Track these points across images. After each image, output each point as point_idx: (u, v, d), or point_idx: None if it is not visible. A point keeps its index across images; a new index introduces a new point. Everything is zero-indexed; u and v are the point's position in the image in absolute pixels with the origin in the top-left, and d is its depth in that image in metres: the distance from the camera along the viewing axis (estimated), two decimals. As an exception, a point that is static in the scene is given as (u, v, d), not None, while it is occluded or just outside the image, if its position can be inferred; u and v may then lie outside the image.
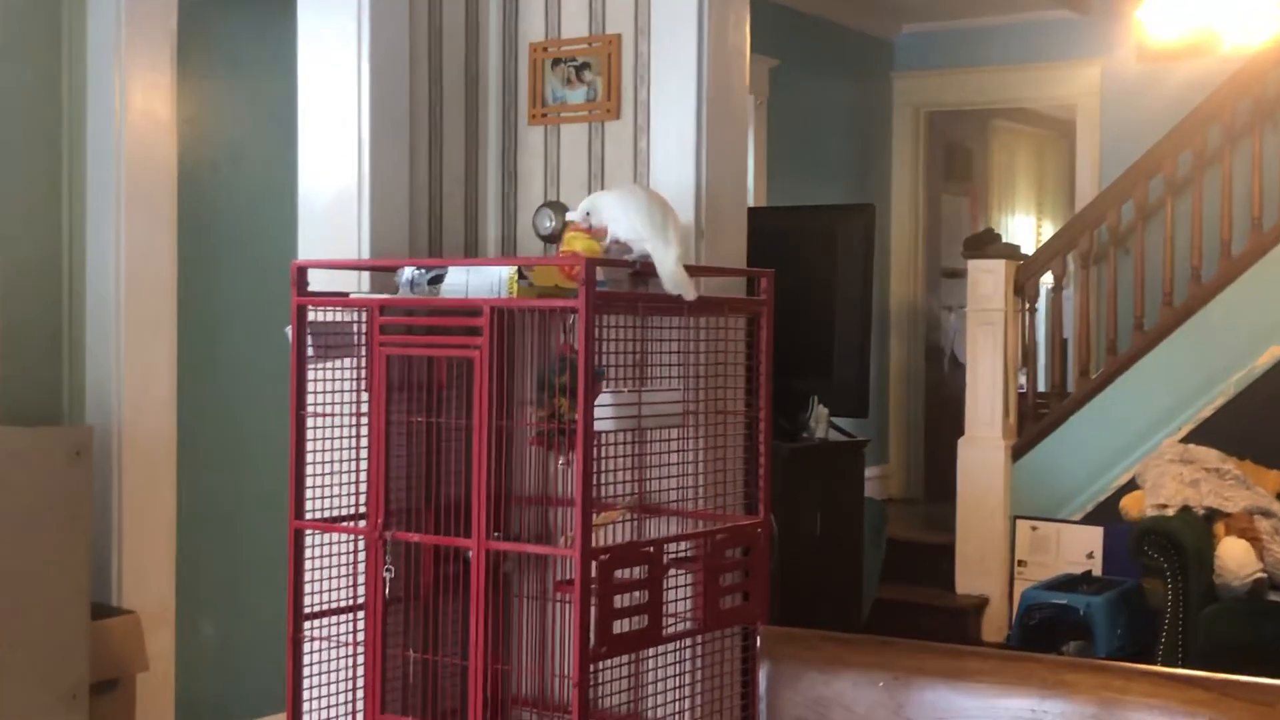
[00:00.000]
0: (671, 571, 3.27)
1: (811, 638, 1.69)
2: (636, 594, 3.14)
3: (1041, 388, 7.77)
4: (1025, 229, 10.78)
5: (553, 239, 3.78)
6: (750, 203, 5.15)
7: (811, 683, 1.68)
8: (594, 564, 3.02)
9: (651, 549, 3.18)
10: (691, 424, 3.45)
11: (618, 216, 3.23)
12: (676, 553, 3.31)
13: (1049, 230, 10.54)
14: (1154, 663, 5.22)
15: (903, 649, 1.68)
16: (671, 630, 3.28)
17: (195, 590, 4.61)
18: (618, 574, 3.09)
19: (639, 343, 3.34)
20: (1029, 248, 9.21)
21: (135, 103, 4.05)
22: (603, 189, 3.68)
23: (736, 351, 3.51)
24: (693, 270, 3.34)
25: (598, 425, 3.07)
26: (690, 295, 3.15)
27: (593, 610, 3.02)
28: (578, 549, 3.00)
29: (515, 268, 3.21)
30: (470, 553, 3.18)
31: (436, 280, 3.32)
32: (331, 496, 3.44)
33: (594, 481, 3.10)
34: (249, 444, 4.92)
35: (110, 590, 4.00)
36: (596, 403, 3.07)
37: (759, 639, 1.71)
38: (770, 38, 7.11)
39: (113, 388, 4.02)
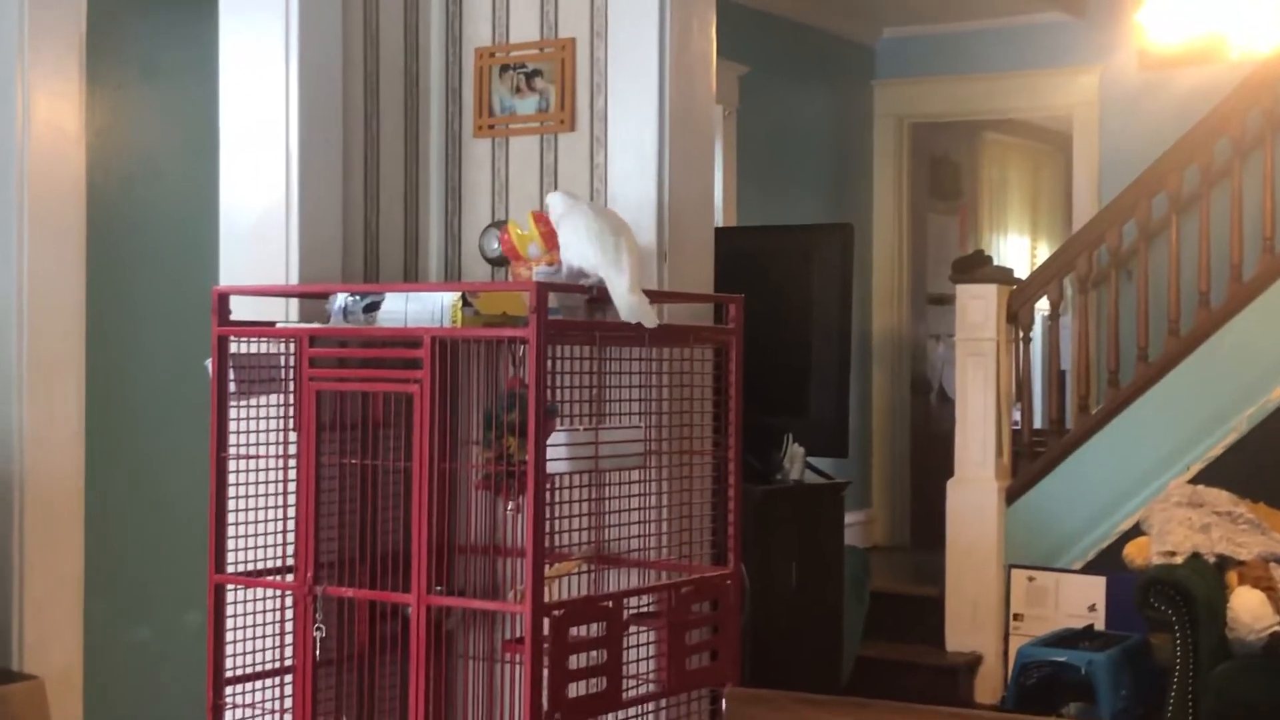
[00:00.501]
0: (632, 628, 3.26)
1: (780, 699, 1.69)
2: (593, 653, 3.13)
3: (1038, 424, 7.80)
4: (1019, 250, 10.85)
5: (501, 262, 3.78)
6: (718, 222, 5.17)
7: (782, 749, 1.68)
8: (546, 621, 3.01)
9: (610, 604, 3.18)
10: (654, 465, 3.45)
11: (567, 241, 3.24)
12: (638, 607, 3.31)
13: (1044, 252, 10.61)
14: (1162, 725, 5.24)
15: (881, 711, 1.69)
16: (632, 693, 3.27)
17: (105, 652, 4.56)
18: (573, 632, 3.08)
19: (596, 376, 3.34)
20: (1023, 271, 9.27)
21: (39, 113, 4.02)
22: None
23: (703, 385, 3.52)
24: (655, 296, 3.34)
25: (550, 467, 3.07)
26: (650, 322, 3.15)
27: (545, 672, 3.01)
28: (528, 604, 2.99)
29: (459, 294, 3.21)
30: (410, 609, 3.16)
31: (372, 308, 3.31)
32: (256, 548, 3.42)
33: (546, 529, 3.10)
34: (165, 490, 4.89)
35: (10, 654, 3.95)
36: (549, 442, 3.06)
37: (724, 701, 1.71)
38: (739, 42, 7.14)
39: (13, 428, 3.98)
